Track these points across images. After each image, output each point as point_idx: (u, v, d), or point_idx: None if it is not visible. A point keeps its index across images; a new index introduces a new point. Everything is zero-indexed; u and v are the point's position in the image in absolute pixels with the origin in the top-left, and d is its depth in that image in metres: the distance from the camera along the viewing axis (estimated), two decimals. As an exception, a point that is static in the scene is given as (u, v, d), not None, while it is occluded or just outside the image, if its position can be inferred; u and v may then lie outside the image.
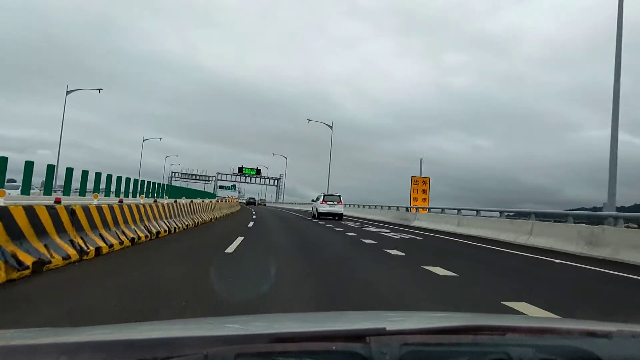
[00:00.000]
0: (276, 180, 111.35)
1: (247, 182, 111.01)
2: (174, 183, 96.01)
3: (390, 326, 1.01)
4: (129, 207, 9.16)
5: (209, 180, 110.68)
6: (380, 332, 0.95)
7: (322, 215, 28.00)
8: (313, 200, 33.53)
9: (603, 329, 1.08)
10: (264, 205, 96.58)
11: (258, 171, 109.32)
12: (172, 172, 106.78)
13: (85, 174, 21.42)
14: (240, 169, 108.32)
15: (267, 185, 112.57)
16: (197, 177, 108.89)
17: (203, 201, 17.87)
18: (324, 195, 29.30)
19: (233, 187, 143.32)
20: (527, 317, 1.52)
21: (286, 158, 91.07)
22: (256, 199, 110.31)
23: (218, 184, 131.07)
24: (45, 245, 5.52)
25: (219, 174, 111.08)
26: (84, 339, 1.06)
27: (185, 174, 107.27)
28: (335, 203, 28.45)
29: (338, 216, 28.02)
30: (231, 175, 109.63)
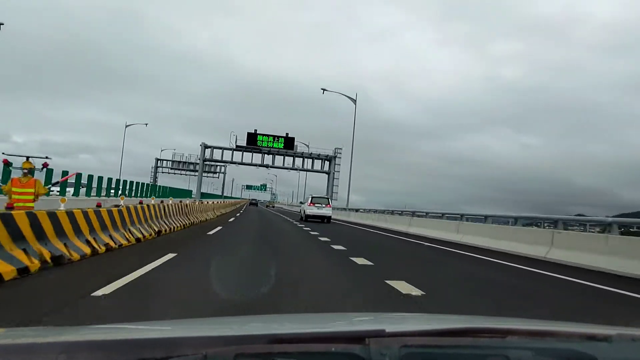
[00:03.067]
0: (327, 162, 61.27)
1: (270, 167, 62.77)
2: (160, 178, 76.30)
3: (389, 328, 1.04)
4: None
5: (214, 173, 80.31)
6: (380, 334, 0.97)
7: (309, 218, 28.32)
8: (301, 202, 33.66)
9: (603, 332, 1.10)
10: (273, 207, 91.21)
11: (288, 142, 59.01)
12: (158, 160, 77.72)
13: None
14: (253, 138, 58.67)
15: (309, 171, 63.03)
16: (195, 167, 71.44)
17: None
18: (312, 197, 29.75)
19: (264, 187, 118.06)
20: (526, 320, 1.56)
21: (355, 101, 40.54)
22: (256, 199, 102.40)
23: (243, 184, 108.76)
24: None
25: (206, 146, 62.20)
26: (83, 339, 1.09)
27: (177, 161, 74.85)
28: (324, 205, 28.84)
29: (326, 219, 28.37)
30: (231, 150, 60.25)
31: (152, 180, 72.54)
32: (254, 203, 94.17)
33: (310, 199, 29.77)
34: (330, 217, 29.04)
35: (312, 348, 0.95)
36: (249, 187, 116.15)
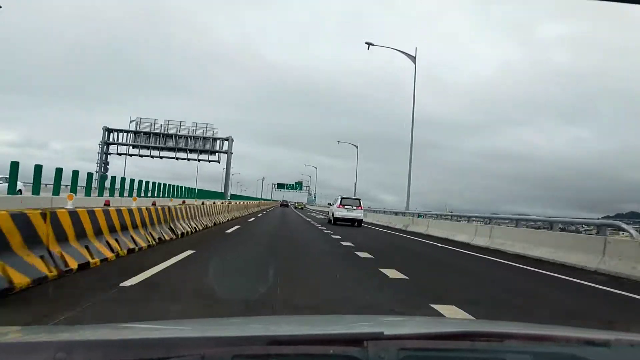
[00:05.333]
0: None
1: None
2: (116, 161, 54.34)
3: (388, 331, 1.07)
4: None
5: (212, 153, 52.46)
6: (378, 337, 1.00)
7: (338, 221, 26.51)
8: (329, 204, 32.69)
9: (601, 337, 1.15)
10: (302, 208, 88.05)
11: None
12: (108, 132, 51.25)
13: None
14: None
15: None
16: (165, 143, 48.52)
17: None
18: (342, 199, 27.68)
19: (298, 186, 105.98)
20: (525, 324, 1.61)
21: (414, 60, 29.80)
22: (287, 201, 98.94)
23: (274, 183, 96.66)
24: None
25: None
26: (81, 338, 1.12)
27: (142, 133, 49.39)
28: (354, 207, 26.79)
29: (357, 222, 26.50)
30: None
31: (99, 168, 49.08)
32: (284, 204, 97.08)
33: (339, 200, 27.50)
34: (361, 220, 26.91)
35: (310, 350, 0.96)
36: (280, 186, 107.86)
